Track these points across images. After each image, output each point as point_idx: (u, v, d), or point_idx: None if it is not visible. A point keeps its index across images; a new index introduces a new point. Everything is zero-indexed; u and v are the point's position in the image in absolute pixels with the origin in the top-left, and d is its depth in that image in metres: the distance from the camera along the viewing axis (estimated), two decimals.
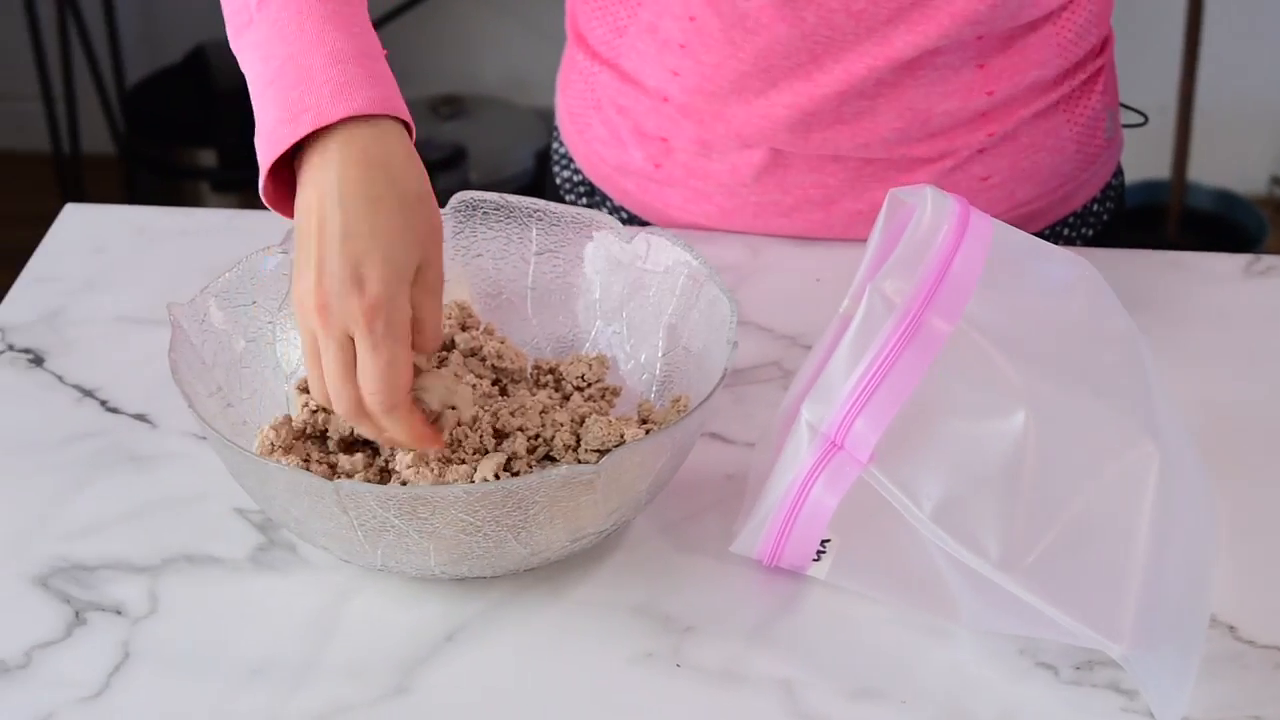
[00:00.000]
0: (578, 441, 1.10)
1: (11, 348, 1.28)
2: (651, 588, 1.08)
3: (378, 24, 2.88)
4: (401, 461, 1.06)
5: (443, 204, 1.19)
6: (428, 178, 1.05)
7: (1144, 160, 2.84)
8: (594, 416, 1.09)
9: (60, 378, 1.25)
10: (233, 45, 1.10)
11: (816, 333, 1.13)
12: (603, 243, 1.19)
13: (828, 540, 1.05)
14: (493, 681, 1.03)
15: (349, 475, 1.08)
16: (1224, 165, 3.15)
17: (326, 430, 1.11)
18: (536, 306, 1.21)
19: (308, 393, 1.12)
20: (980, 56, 1.30)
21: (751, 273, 1.35)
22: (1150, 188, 2.99)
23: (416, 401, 1.04)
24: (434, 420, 1.05)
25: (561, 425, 1.09)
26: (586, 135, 1.43)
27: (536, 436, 1.10)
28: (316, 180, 1.03)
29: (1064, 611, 0.98)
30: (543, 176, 3.08)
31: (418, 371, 1.04)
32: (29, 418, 1.22)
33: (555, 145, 1.50)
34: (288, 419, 1.11)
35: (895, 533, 1.02)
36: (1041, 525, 0.99)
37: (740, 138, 1.34)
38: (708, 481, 1.15)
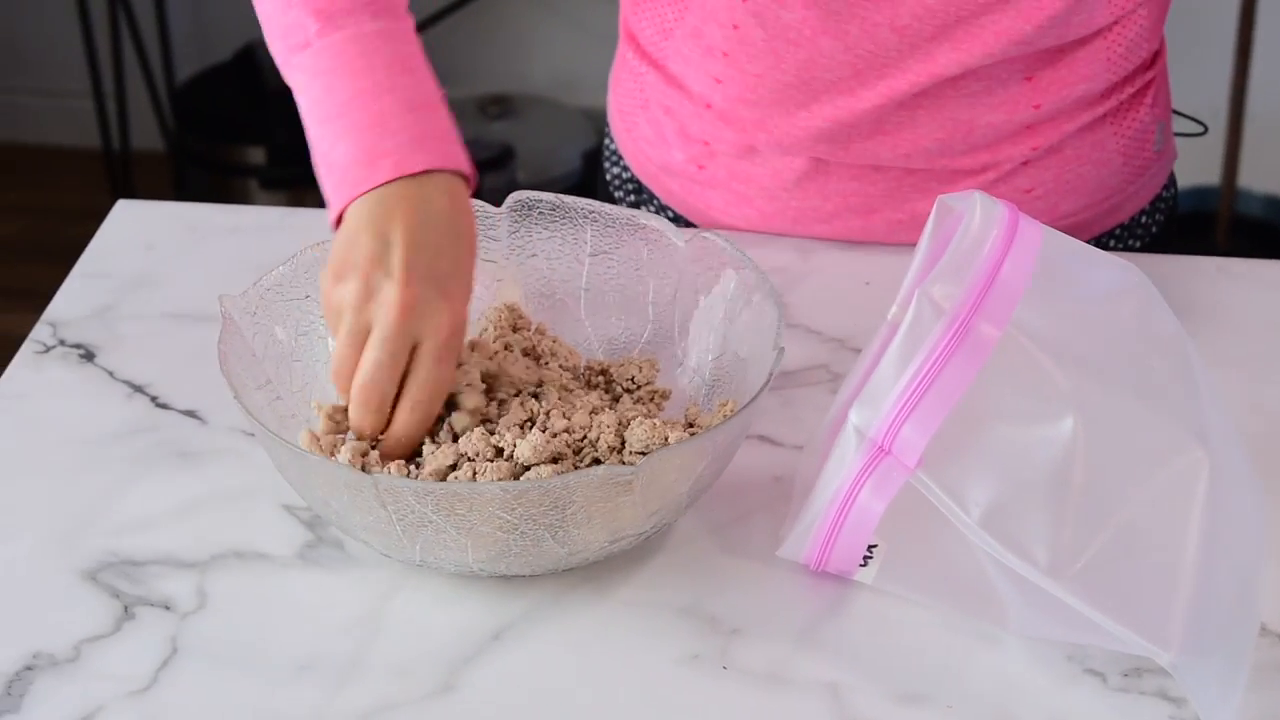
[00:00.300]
0: (623, 444, 1.10)
1: (63, 343, 1.29)
2: (698, 589, 1.08)
3: (426, 23, 2.89)
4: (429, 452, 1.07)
5: (495, 203, 1.20)
6: None
7: (1194, 167, 2.82)
8: (639, 419, 1.09)
9: (111, 373, 1.26)
10: (283, 60, 1.13)
11: (865, 336, 1.13)
12: (656, 245, 1.19)
13: (874, 545, 1.05)
14: (539, 681, 1.03)
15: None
16: (1275, 172, 3.13)
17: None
18: (589, 308, 1.21)
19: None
20: (1028, 69, 1.30)
21: (801, 275, 1.35)
22: (1200, 194, 2.98)
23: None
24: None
25: (608, 427, 1.10)
26: (634, 134, 1.43)
27: (583, 438, 1.10)
28: (405, 196, 1.06)
29: (1112, 618, 0.98)
30: (590, 177, 3.08)
31: None
32: (80, 413, 1.22)
33: (606, 141, 1.51)
34: (342, 408, 1.12)
35: (942, 538, 1.02)
36: (1090, 531, 0.99)
37: (781, 146, 1.34)
38: (755, 484, 1.15)
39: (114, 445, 1.19)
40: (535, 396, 1.12)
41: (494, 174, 2.98)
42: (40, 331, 1.30)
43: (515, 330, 1.18)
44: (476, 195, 1.14)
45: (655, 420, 1.09)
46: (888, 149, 1.32)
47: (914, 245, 1.08)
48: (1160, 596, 0.98)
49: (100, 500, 1.15)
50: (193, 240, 1.41)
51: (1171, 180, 1.46)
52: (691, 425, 1.12)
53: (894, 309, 1.08)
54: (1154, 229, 1.44)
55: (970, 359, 1.00)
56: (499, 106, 3.20)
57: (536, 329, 1.19)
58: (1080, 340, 1.03)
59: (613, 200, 1.48)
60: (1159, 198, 1.43)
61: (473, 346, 1.14)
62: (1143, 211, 1.42)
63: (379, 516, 1.01)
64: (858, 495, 1.02)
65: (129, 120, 3.27)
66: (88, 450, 1.19)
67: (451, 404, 1.09)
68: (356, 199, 1.07)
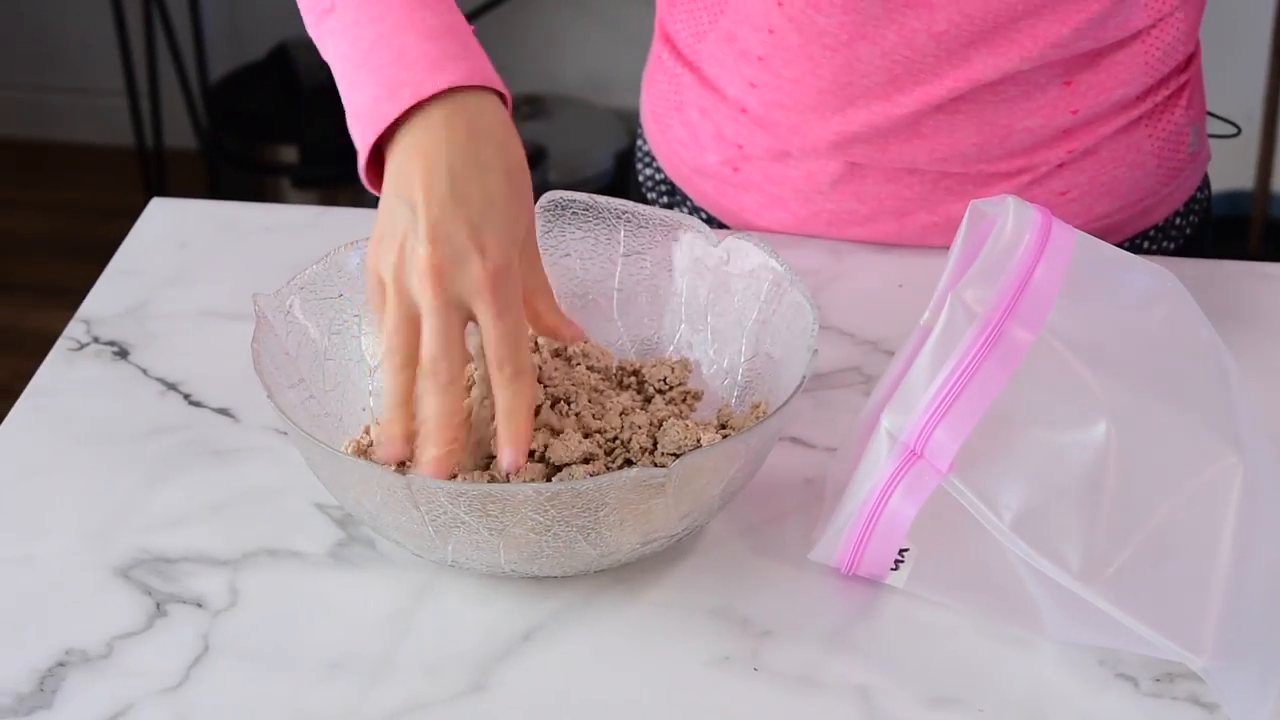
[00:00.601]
0: (655, 445, 1.10)
1: (96, 340, 1.29)
2: (729, 591, 1.08)
3: None
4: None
5: None
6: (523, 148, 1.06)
7: (1228, 170, 2.81)
8: (671, 420, 1.09)
9: (144, 371, 1.26)
10: (313, 32, 1.11)
11: (898, 338, 1.13)
12: (689, 246, 1.19)
13: (906, 549, 1.05)
14: (569, 682, 1.03)
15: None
16: None
17: None
18: (622, 308, 1.21)
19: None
20: (1066, 74, 1.29)
21: (833, 277, 1.35)
22: (1234, 198, 2.97)
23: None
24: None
25: (640, 428, 1.10)
26: (668, 135, 1.43)
27: (615, 439, 1.10)
28: (419, 146, 1.03)
29: (1145, 623, 0.98)
30: (622, 177, 3.08)
31: None
32: (113, 410, 1.23)
33: (639, 143, 1.51)
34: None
35: (974, 543, 1.02)
36: (1123, 536, 0.98)
37: (816, 150, 1.33)
38: (787, 486, 1.15)
39: (147, 443, 1.20)
40: (566, 399, 1.12)
41: None
42: (74, 329, 1.30)
43: None
44: None
45: (688, 421, 1.09)
46: (924, 153, 1.32)
47: (948, 248, 1.08)
48: (1193, 602, 0.98)
49: (133, 498, 1.15)
50: (226, 239, 1.41)
51: (1205, 182, 1.45)
52: (724, 427, 1.12)
53: (926, 314, 1.07)
54: (1188, 231, 1.43)
55: (1003, 363, 1.00)
56: (531, 107, 3.20)
57: None
58: (1113, 345, 1.03)
59: (645, 202, 1.48)
60: (1193, 199, 1.43)
61: None
62: (1177, 213, 1.42)
63: (412, 517, 1.01)
64: (889, 499, 1.02)
65: (162, 118, 3.28)
66: (120, 448, 1.19)
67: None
68: (388, 147, 1.04)
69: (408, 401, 1.02)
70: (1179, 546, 0.99)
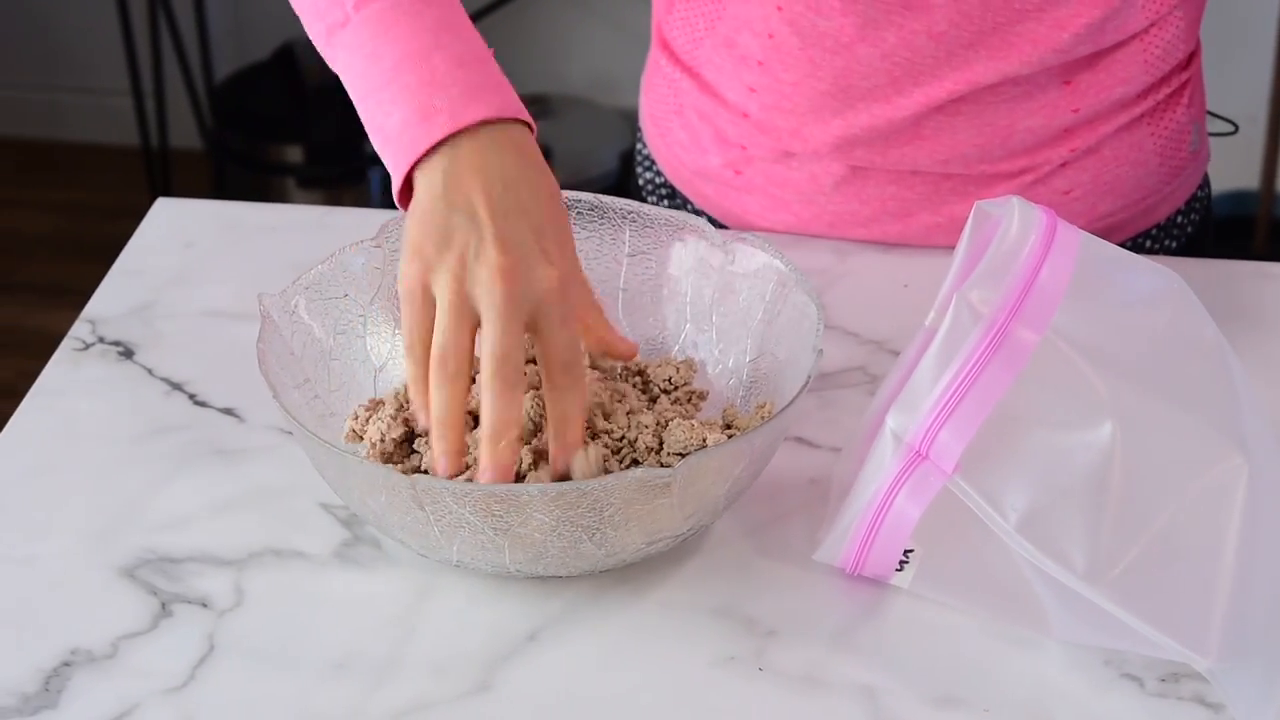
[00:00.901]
0: (660, 444, 1.10)
1: (102, 340, 1.29)
2: (734, 591, 1.08)
3: None
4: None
5: None
6: None
7: (1232, 170, 2.82)
8: (677, 420, 1.09)
9: (149, 371, 1.26)
10: (323, 44, 1.10)
11: (903, 338, 1.13)
12: (694, 246, 1.19)
13: (911, 550, 1.05)
14: (574, 681, 1.03)
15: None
16: None
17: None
18: (627, 308, 1.21)
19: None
20: (1066, 74, 1.29)
21: (838, 277, 1.35)
22: (1238, 198, 2.97)
23: None
24: None
25: (646, 428, 1.10)
26: (668, 139, 1.43)
27: (621, 439, 1.10)
28: (469, 160, 1.03)
29: (1150, 624, 0.98)
30: (626, 178, 3.08)
31: None
32: (118, 410, 1.23)
33: (639, 146, 1.51)
34: (378, 402, 1.12)
35: (979, 543, 1.02)
36: (1128, 537, 0.98)
37: (817, 152, 1.33)
38: (791, 486, 1.15)
39: (152, 443, 1.20)
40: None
41: None
42: (79, 329, 1.30)
43: None
44: None
45: (693, 421, 1.09)
46: (925, 155, 1.32)
47: (952, 248, 1.08)
48: (1198, 603, 0.98)
49: (138, 498, 1.15)
50: (231, 239, 1.41)
51: (1206, 180, 1.45)
52: (729, 427, 1.12)
53: (931, 315, 1.07)
54: (1189, 229, 1.43)
55: (1008, 364, 1.00)
56: (536, 107, 3.20)
57: None
58: (1118, 345, 1.03)
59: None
60: (1194, 198, 1.43)
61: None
62: (1179, 212, 1.42)
63: (416, 517, 1.01)
64: (894, 500, 1.02)
65: (167, 118, 3.28)
66: (126, 448, 1.19)
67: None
68: (420, 164, 1.04)
69: (461, 411, 1.02)
70: (1184, 547, 0.99)
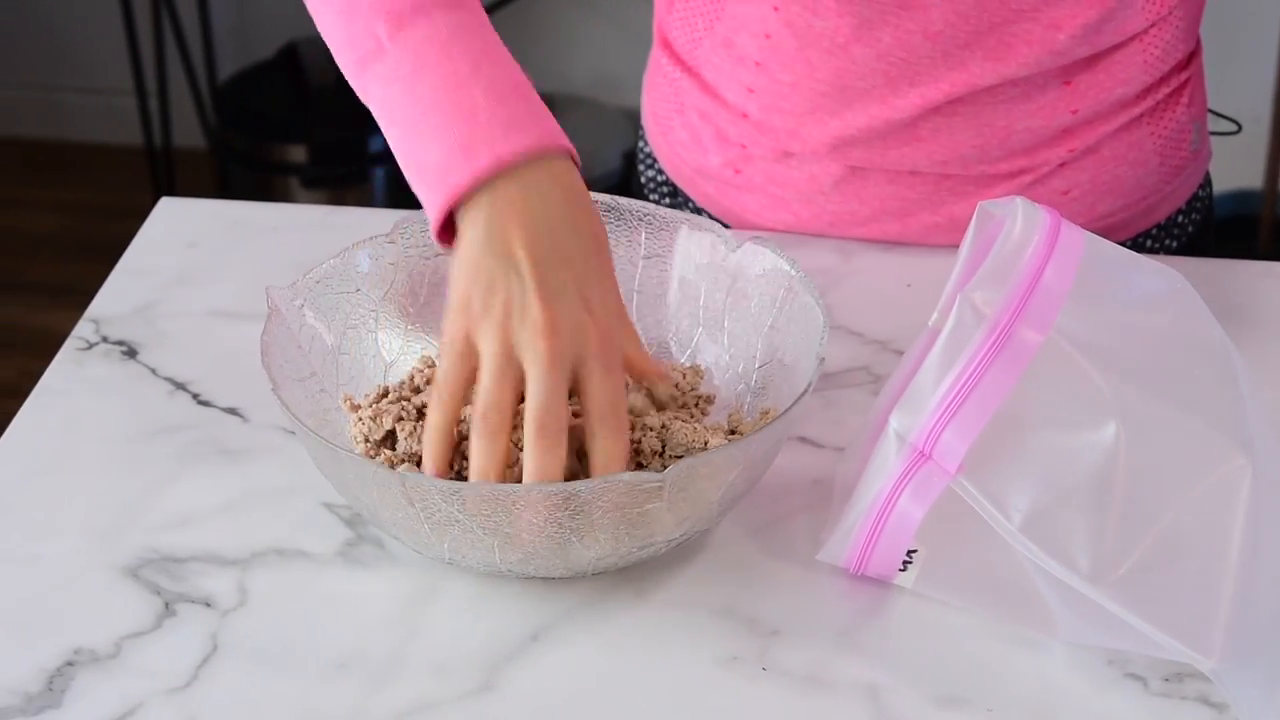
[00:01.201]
0: (664, 447, 1.10)
1: (105, 340, 1.29)
2: (737, 591, 1.08)
3: None
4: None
5: None
6: None
7: (1236, 170, 2.82)
8: (679, 423, 1.09)
9: (153, 370, 1.26)
10: (355, 74, 1.08)
11: (906, 338, 1.13)
12: (709, 249, 1.19)
13: (914, 550, 1.05)
14: (577, 681, 1.03)
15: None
16: None
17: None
18: (640, 310, 1.21)
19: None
20: (1065, 74, 1.29)
21: (842, 277, 1.35)
22: (1242, 198, 2.97)
23: None
24: None
25: (651, 430, 1.10)
26: (669, 138, 1.43)
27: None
28: (512, 204, 1.02)
29: (1154, 625, 0.97)
30: (630, 177, 3.08)
31: None
32: (122, 410, 1.23)
33: (640, 144, 1.51)
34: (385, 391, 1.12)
35: (983, 544, 1.02)
36: (1132, 538, 0.98)
37: (816, 152, 1.33)
38: (795, 486, 1.15)
39: (155, 442, 1.20)
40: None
41: None
42: (83, 328, 1.30)
43: None
44: None
45: (696, 424, 1.09)
46: (924, 155, 1.32)
47: (952, 247, 1.08)
48: (1202, 603, 0.98)
49: (141, 497, 1.15)
50: (235, 238, 1.41)
51: (1207, 180, 1.45)
52: (734, 431, 1.12)
53: (935, 315, 1.07)
54: (1190, 229, 1.43)
55: (1011, 365, 1.00)
56: None
57: None
58: (1122, 346, 1.03)
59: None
60: (1195, 197, 1.43)
61: None
62: (1179, 211, 1.42)
63: (408, 514, 1.01)
64: (898, 500, 1.02)
65: (171, 118, 3.28)
66: (129, 447, 1.19)
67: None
68: (462, 204, 1.03)
69: (503, 467, 1.02)
70: (1188, 548, 0.99)
